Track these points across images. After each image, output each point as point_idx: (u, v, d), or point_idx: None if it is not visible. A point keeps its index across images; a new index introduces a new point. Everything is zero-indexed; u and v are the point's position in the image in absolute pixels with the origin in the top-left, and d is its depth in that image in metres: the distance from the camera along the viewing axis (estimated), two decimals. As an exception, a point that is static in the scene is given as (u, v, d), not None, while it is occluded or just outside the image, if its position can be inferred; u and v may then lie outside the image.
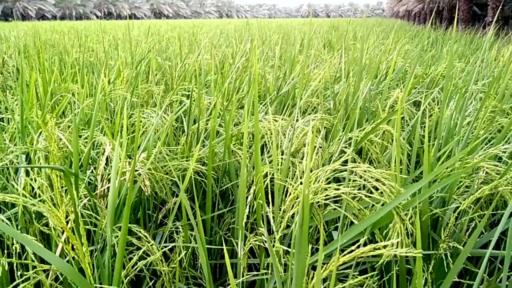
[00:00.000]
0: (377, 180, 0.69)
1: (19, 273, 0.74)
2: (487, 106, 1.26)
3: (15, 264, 0.79)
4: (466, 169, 0.68)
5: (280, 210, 0.81)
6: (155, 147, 1.06)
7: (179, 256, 0.88)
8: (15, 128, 1.21)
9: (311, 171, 0.73)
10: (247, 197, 0.85)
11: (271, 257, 0.67)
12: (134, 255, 0.80)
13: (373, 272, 0.75)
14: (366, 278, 0.71)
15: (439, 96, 1.81)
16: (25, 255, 0.84)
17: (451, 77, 1.85)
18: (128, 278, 0.77)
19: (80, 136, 1.17)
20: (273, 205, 0.84)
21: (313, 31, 5.03)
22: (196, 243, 0.95)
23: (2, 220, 0.76)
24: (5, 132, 1.29)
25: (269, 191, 0.86)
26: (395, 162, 0.80)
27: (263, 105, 1.53)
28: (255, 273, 0.83)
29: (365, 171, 0.70)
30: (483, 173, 0.90)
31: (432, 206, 0.92)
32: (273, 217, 0.81)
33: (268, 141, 1.17)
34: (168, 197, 1.02)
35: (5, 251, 0.84)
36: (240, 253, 0.83)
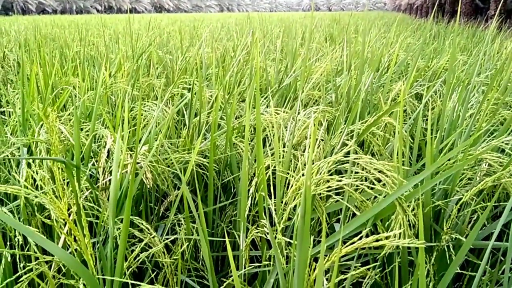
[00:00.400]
0: (379, 171, 0.69)
1: (21, 264, 0.74)
2: (489, 99, 1.25)
3: (17, 256, 0.79)
4: (469, 160, 0.68)
5: (281, 202, 0.81)
6: (156, 140, 1.06)
7: (181, 248, 0.88)
8: (17, 121, 1.21)
9: (313, 163, 0.73)
10: (248, 190, 0.85)
11: (273, 249, 0.67)
12: (136, 247, 0.80)
13: (375, 263, 0.75)
14: (368, 269, 0.71)
15: (441, 89, 1.80)
16: (27, 247, 0.84)
17: (453, 69, 1.84)
18: (130, 269, 0.77)
19: (82, 129, 1.17)
20: (274, 197, 0.84)
21: (315, 24, 5.01)
22: (198, 235, 0.95)
23: (5, 213, 0.76)
24: (7, 126, 1.28)
25: (271, 184, 0.86)
26: (397, 155, 0.80)
27: (265, 98, 1.53)
28: (257, 264, 0.83)
29: (367, 163, 0.69)
30: (485, 165, 0.90)
31: (434, 198, 0.92)
32: (275, 209, 0.81)
33: (270, 133, 1.17)
34: (170, 189, 1.02)
35: (8, 243, 0.84)
36: (242, 245, 0.83)
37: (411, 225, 0.69)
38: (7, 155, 0.99)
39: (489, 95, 1.26)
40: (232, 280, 0.78)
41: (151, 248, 0.82)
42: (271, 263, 0.80)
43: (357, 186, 0.70)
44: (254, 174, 0.91)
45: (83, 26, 5.87)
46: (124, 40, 3.40)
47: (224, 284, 0.77)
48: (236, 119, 1.47)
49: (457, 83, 1.62)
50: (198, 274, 0.99)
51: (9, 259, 0.74)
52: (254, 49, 1.87)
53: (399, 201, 0.65)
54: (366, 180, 0.75)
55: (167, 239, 0.94)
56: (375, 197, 0.80)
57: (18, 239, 0.77)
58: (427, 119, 1.64)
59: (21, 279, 0.67)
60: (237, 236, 0.97)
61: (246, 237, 0.83)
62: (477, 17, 9.06)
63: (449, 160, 0.94)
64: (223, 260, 1.13)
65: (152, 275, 0.90)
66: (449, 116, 1.18)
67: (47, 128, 0.93)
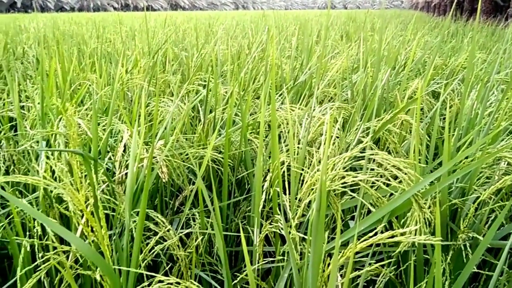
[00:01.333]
0: (397, 168, 0.68)
1: (40, 254, 0.75)
2: (509, 97, 1.23)
3: (36, 247, 0.80)
4: (487, 158, 0.67)
5: (296, 198, 0.81)
6: (172, 135, 1.07)
7: (195, 242, 0.89)
8: (36, 115, 1.23)
9: (328, 159, 0.73)
10: (263, 185, 0.85)
11: (288, 244, 0.67)
12: (151, 240, 0.81)
13: (390, 260, 0.75)
14: (383, 266, 0.70)
15: (458, 87, 1.77)
16: (45, 238, 0.86)
17: (472, 66, 1.81)
18: (145, 262, 0.78)
19: (98, 124, 1.19)
20: (289, 193, 0.84)
21: (330, 22, 4.98)
22: (212, 229, 0.96)
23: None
24: (26, 120, 1.31)
25: (285, 180, 0.86)
26: (413, 152, 0.79)
27: (279, 95, 1.53)
28: (271, 259, 0.83)
29: (383, 159, 0.69)
30: (504, 163, 0.89)
31: (451, 196, 0.91)
32: (289, 205, 0.81)
33: (284, 130, 1.17)
34: (185, 184, 1.03)
35: (27, 233, 0.86)
36: (256, 240, 0.83)
37: (427, 223, 0.68)
38: (26, 147, 1.01)
39: (509, 93, 1.24)
40: (246, 275, 0.78)
41: (166, 241, 0.82)
42: (285, 258, 0.80)
43: (372, 182, 0.70)
44: (269, 170, 0.91)
45: (100, 23, 5.94)
46: (140, 37, 3.43)
47: (238, 279, 0.77)
48: (250, 115, 1.47)
49: (476, 81, 1.59)
50: (211, 269, 1.00)
51: (28, 248, 0.76)
52: (269, 46, 1.86)
53: (416, 197, 0.64)
54: (381, 177, 0.74)
55: (182, 233, 0.94)
56: (391, 194, 0.79)
57: (37, 230, 0.78)
58: (444, 118, 1.61)
59: (39, 268, 0.68)
60: (250, 232, 0.97)
61: (260, 233, 0.83)
62: (496, 15, 8.88)
63: (466, 158, 0.92)
64: (236, 255, 1.14)
65: (167, 268, 0.91)
66: (467, 114, 1.16)
67: (65, 121, 0.95)
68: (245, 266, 1.04)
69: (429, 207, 0.74)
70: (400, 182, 0.70)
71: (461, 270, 0.71)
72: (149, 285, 0.66)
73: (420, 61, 1.98)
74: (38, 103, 1.23)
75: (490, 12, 9.08)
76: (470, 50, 1.14)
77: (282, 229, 0.76)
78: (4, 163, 1.12)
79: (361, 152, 0.73)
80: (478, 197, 0.85)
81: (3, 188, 0.97)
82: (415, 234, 0.64)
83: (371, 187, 0.72)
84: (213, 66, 1.59)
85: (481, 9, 9.17)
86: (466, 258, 0.78)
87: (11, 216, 0.86)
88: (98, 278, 0.67)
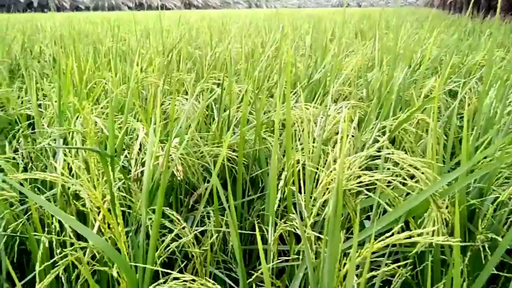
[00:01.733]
0: (414, 168, 0.67)
1: (58, 251, 0.77)
2: (529, 96, 1.20)
3: (54, 243, 0.82)
4: (507, 158, 0.66)
5: (310, 197, 0.81)
6: (187, 134, 1.07)
7: (210, 239, 0.89)
8: (53, 113, 1.25)
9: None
10: (277, 184, 0.85)
11: (303, 243, 0.67)
12: (166, 238, 0.82)
13: (407, 261, 0.74)
14: (399, 267, 0.69)
15: (476, 86, 1.74)
16: (62, 234, 0.87)
17: (491, 64, 1.78)
18: (161, 259, 0.78)
19: (115, 122, 1.20)
20: (304, 192, 0.83)
21: (344, 20, 4.94)
22: (227, 227, 0.96)
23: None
24: (43, 118, 1.33)
25: (300, 179, 0.86)
26: (431, 150, 0.78)
27: (294, 94, 1.52)
28: (286, 258, 0.83)
29: (400, 158, 0.68)
30: (524, 164, 0.87)
31: (469, 197, 0.89)
32: (304, 204, 0.81)
33: (299, 128, 1.16)
34: (200, 182, 1.03)
35: (45, 229, 0.88)
36: (270, 239, 0.83)
37: (444, 223, 0.67)
38: (44, 145, 1.03)
39: (529, 92, 1.21)
40: (261, 273, 0.78)
41: (181, 238, 0.83)
42: (300, 257, 0.80)
43: (389, 182, 0.69)
44: (283, 169, 0.91)
45: (115, 22, 5.99)
46: (155, 36, 3.45)
47: (253, 277, 0.77)
48: (264, 114, 1.47)
49: (495, 79, 1.56)
50: (226, 267, 1.00)
51: (46, 244, 0.77)
52: (283, 44, 1.86)
53: (433, 197, 0.64)
54: (398, 177, 0.74)
55: (196, 230, 0.95)
56: (407, 194, 0.78)
57: (55, 226, 0.79)
58: (461, 117, 1.59)
59: (57, 264, 0.69)
60: (265, 230, 0.97)
61: (275, 231, 0.83)
62: (515, 12, 8.68)
63: (485, 158, 0.91)
64: (250, 254, 1.14)
65: (182, 266, 0.91)
66: (485, 113, 1.14)
67: (82, 119, 0.96)
68: (259, 264, 1.04)
69: (446, 207, 0.73)
70: (417, 181, 0.69)
71: (479, 271, 0.70)
72: (164, 282, 0.66)
73: (436, 59, 1.95)
74: (55, 101, 1.24)
75: (508, 10, 8.90)
76: (489, 48, 1.12)
77: (297, 228, 0.75)
78: (22, 160, 1.14)
79: (377, 151, 0.73)
80: (497, 198, 0.84)
81: (21, 184, 0.99)
82: (433, 235, 0.63)
83: (387, 186, 0.71)
84: (227, 64, 1.59)
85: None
86: (485, 260, 0.77)
87: (29, 212, 0.88)
88: (115, 274, 0.68)
